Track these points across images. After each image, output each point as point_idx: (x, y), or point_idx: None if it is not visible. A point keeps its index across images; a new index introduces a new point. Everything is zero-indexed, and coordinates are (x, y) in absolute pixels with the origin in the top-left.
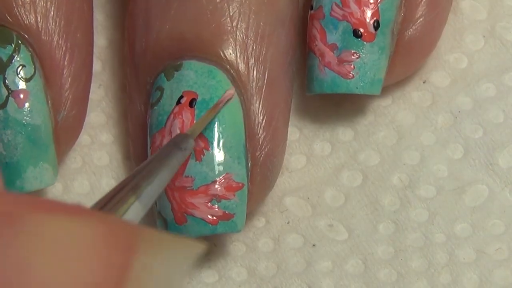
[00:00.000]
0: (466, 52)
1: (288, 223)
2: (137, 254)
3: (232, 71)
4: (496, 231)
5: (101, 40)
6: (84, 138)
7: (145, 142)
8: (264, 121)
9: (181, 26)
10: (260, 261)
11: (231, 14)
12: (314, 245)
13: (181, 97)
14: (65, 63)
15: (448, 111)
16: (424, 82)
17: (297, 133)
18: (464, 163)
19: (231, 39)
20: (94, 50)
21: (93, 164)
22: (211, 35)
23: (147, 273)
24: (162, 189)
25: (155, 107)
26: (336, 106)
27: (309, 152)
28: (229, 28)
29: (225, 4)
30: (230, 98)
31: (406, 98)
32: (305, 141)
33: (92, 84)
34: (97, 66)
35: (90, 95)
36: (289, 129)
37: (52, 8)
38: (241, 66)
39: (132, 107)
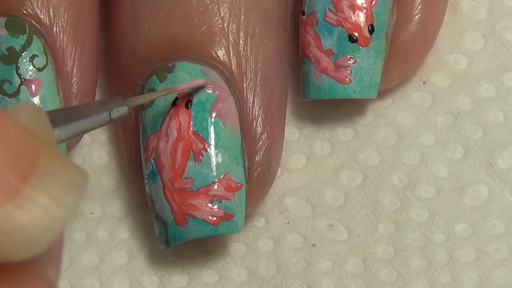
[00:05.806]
0: (466, 52)
1: (288, 223)
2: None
3: (225, 72)
4: (496, 231)
5: (100, 40)
6: (84, 137)
7: (137, 143)
8: (259, 119)
9: (171, 27)
10: (260, 261)
11: (222, 15)
12: (314, 245)
13: (177, 98)
14: (76, 56)
15: (448, 111)
16: (424, 83)
17: (297, 133)
18: (464, 163)
19: (223, 40)
20: None
21: (93, 163)
22: (203, 36)
23: (41, 186)
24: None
25: (148, 109)
26: (336, 106)
27: (309, 152)
28: (220, 28)
29: (216, 5)
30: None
31: (406, 98)
32: (305, 141)
33: None
34: None
35: None
36: (289, 129)
37: (64, 2)
38: (234, 66)
39: None
